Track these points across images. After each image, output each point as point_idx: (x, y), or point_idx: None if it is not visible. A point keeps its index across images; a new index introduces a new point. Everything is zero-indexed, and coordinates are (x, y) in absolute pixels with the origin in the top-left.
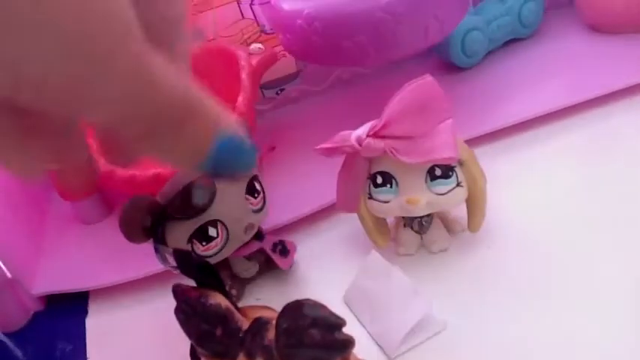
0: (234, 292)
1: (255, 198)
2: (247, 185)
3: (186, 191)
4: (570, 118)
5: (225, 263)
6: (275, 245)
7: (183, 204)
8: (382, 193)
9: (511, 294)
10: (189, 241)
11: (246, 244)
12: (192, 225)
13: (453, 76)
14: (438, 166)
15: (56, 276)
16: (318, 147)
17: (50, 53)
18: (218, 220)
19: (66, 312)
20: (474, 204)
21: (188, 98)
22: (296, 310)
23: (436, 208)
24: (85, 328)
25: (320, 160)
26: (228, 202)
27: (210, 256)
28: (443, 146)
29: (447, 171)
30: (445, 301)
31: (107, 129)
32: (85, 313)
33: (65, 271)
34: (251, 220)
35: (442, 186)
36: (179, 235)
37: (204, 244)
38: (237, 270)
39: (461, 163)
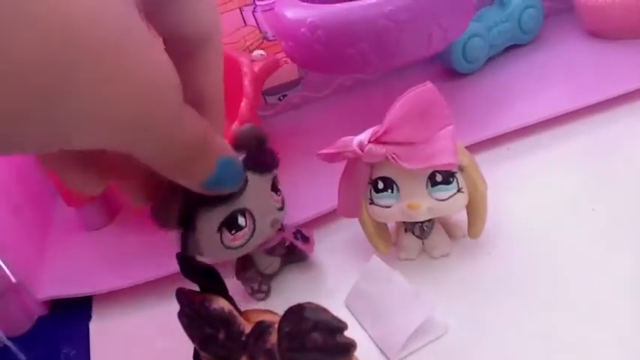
0: (264, 288)
1: (278, 196)
2: (272, 181)
3: None
4: (571, 123)
5: (251, 261)
6: (295, 234)
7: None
8: (383, 199)
9: (512, 299)
10: (219, 229)
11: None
12: (223, 212)
13: (454, 82)
14: (438, 172)
15: (60, 280)
16: (320, 152)
17: (129, 119)
18: (247, 210)
19: (70, 316)
20: (475, 210)
21: (205, 139)
22: (298, 313)
23: (437, 214)
24: (88, 332)
25: (321, 166)
26: (257, 195)
27: (237, 248)
28: (443, 152)
29: (447, 177)
30: (446, 305)
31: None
32: (89, 317)
33: (69, 275)
34: (276, 216)
35: (443, 192)
36: (210, 221)
37: (233, 232)
38: (261, 267)
39: (461, 168)
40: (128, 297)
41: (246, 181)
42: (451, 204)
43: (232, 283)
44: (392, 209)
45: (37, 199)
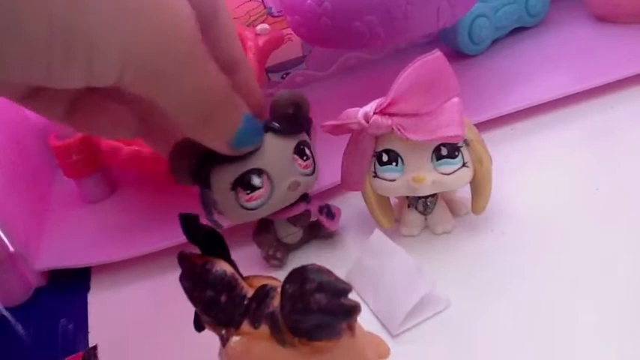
0: (279, 255)
1: (304, 161)
2: (297, 146)
3: None
4: (575, 105)
5: (270, 227)
6: (321, 208)
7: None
8: (388, 172)
9: (514, 275)
10: (234, 187)
11: (293, 205)
12: (236, 170)
13: (459, 63)
14: (444, 145)
15: (59, 252)
16: (324, 124)
17: (149, 52)
18: (263, 171)
19: (68, 288)
20: (480, 185)
21: (228, 91)
22: (301, 274)
23: (442, 188)
24: (87, 303)
25: (324, 142)
26: (275, 155)
27: (255, 209)
28: (450, 124)
29: (453, 151)
30: (448, 280)
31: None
32: (87, 289)
33: (68, 247)
34: (296, 179)
35: (448, 165)
36: (223, 179)
37: (248, 192)
38: (281, 234)
39: (467, 143)
40: (126, 269)
41: (261, 139)
42: (456, 178)
43: (250, 250)
44: (396, 182)
45: (36, 171)
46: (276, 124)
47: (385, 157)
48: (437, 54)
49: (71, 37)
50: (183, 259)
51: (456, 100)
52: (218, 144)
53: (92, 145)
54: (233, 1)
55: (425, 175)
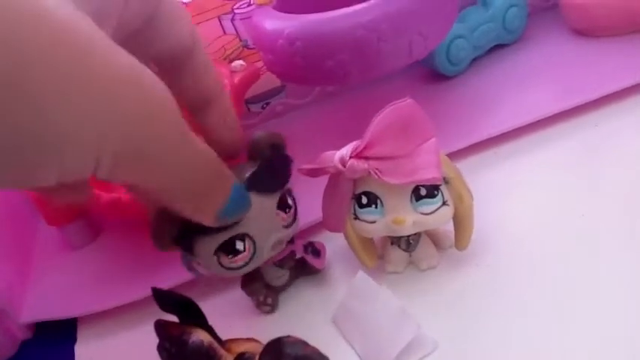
0: (269, 300)
1: (286, 213)
2: (280, 199)
3: None
4: (558, 125)
5: (257, 274)
6: (306, 247)
7: None
8: (368, 214)
9: (502, 311)
10: (216, 253)
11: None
12: (220, 238)
13: (438, 85)
14: (423, 185)
15: (44, 303)
16: (301, 168)
17: (127, 136)
18: (247, 235)
19: (55, 340)
20: (461, 222)
21: (216, 165)
22: (278, 348)
23: (423, 228)
24: (74, 355)
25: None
26: (259, 217)
27: (237, 269)
28: (427, 166)
29: (432, 190)
30: (435, 320)
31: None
32: (74, 340)
33: (53, 297)
34: (280, 236)
35: (428, 205)
36: (206, 247)
37: (230, 257)
38: (269, 278)
39: (446, 181)
40: (114, 318)
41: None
42: (437, 217)
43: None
44: (376, 224)
45: (17, 220)
46: (260, 183)
47: (364, 200)
48: (408, 101)
49: (39, 140)
50: (160, 329)
51: (432, 140)
52: (205, 218)
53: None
54: (208, 35)
55: (405, 217)
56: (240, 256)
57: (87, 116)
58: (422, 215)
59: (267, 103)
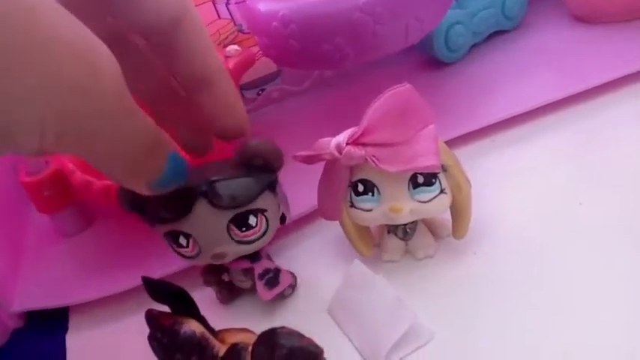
0: (219, 296)
1: (242, 231)
2: (237, 216)
3: (162, 198)
4: (557, 112)
5: (222, 267)
6: (266, 271)
7: (156, 209)
8: (364, 202)
9: (500, 301)
10: (165, 236)
11: (240, 259)
12: (165, 227)
13: (437, 72)
14: (420, 173)
15: (36, 292)
16: (297, 155)
17: (66, 113)
18: (189, 235)
19: (46, 329)
20: (459, 211)
21: (155, 136)
22: (272, 339)
23: (420, 216)
24: (65, 344)
25: (299, 163)
26: (205, 225)
27: (186, 258)
28: (425, 154)
29: (429, 178)
30: (431, 309)
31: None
32: (66, 329)
33: (45, 286)
34: (226, 250)
35: (425, 194)
36: (157, 228)
37: (175, 246)
38: (232, 278)
39: (444, 169)
40: (105, 307)
41: (190, 208)
42: (434, 206)
43: None
44: (373, 213)
45: (8, 208)
46: (213, 196)
47: (361, 187)
48: (406, 86)
49: None
50: (151, 320)
51: (431, 127)
52: (138, 188)
53: (63, 180)
54: (203, 20)
55: (402, 205)
56: (184, 249)
57: (27, 93)
58: (419, 203)
59: (263, 90)
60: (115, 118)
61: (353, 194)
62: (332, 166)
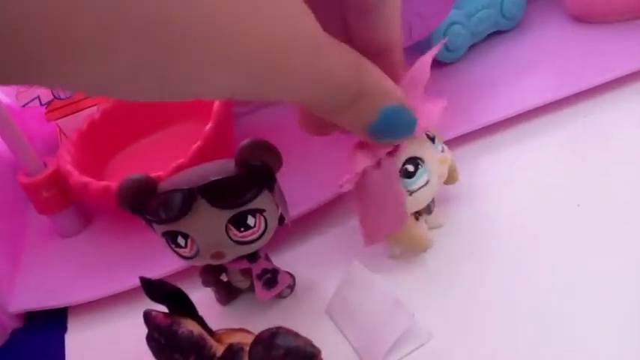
0: (217, 297)
1: (241, 232)
2: (235, 216)
3: (162, 199)
4: (555, 113)
5: (220, 267)
6: (264, 272)
7: (155, 209)
8: (420, 178)
9: (498, 301)
10: (164, 236)
11: (238, 259)
12: (163, 227)
13: (435, 72)
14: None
15: (34, 292)
16: (343, 184)
17: (233, 72)
18: (188, 235)
19: (45, 329)
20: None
21: (359, 81)
22: (269, 340)
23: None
24: (64, 344)
25: (298, 164)
26: (204, 225)
27: (183, 258)
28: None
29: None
30: (430, 310)
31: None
32: (64, 329)
33: (43, 287)
34: (222, 249)
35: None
36: (155, 227)
37: (173, 246)
38: (230, 278)
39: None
40: (104, 307)
41: (189, 208)
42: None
43: None
44: (431, 182)
45: (7, 209)
46: (213, 196)
47: (411, 168)
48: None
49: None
50: (149, 319)
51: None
52: (356, 132)
53: (62, 181)
54: None
55: (447, 154)
56: (182, 250)
57: (225, 63)
58: (443, 154)
59: None
60: (306, 65)
61: (407, 180)
62: (379, 176)
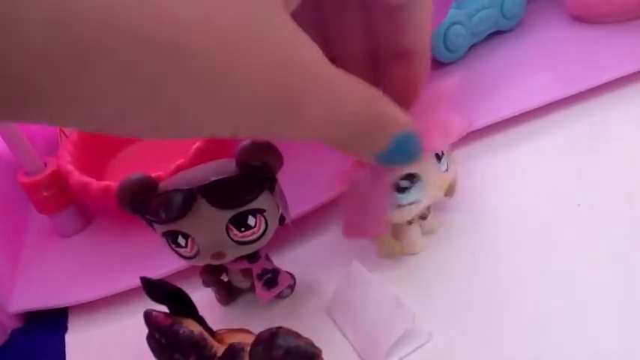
0: (217, 297)
1: (241, 232)
2: (236, 216)
3: (163, 198)
4: (556, 113)
5: (220, 267)
6: (264, 272)
7: (155, 208)
8: (412, 194)
9: (498, 301)
10: (164, 235)
11: (238, 259)
12: (164, 227)
13: (435, 72)
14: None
15: (34, 292)
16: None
17: (240, 110)
18: (188, 235)
19: (45, 329)
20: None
21: (369, 112)
22: (269, 340)
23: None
24: (64, 344)
25: (298, 165)
26: (205, 225)
27: (184, 258)
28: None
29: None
30: (430, 310)
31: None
32: (65, 329)
33: (43, 286)
34: (222, 249)
35: (444, 163)
36: (156, 227)
37: (173, 246)
38: (231, 278)
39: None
40: (105, 307)
41: (190, 208)
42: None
43: None
44: (422, 201)
45: (7, 208)
46: (213, 195)
47: (405, 184)
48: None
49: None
50: (150, 319)
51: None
52: (364, 158)
53: (62, 180)
54: None
55: (450, 173)
56: (182, 249)
57: (225, 104)
58: (445, 173)
59: None
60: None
61: (398, 195)
62: (370, 180)
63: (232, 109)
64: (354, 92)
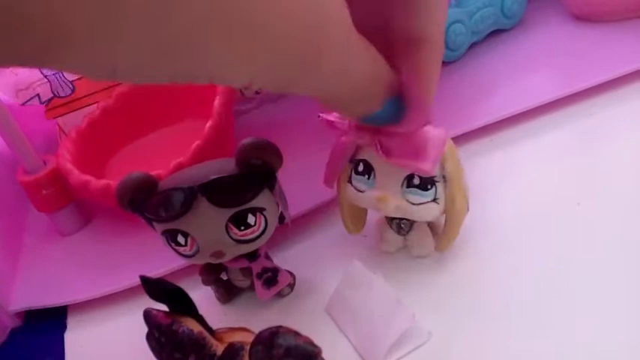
0: (217, 295)
1: (241, 230)
2: (235, 214)
3: (163, 197)
4: (556, 112)
5: (220, 266)
6: (264, 271)
7: (155, 207)
8: (359, 182)
9: (498, 301)
10: (164, 234)
11: (238, 257)
12: (164, 226)
13: None
14: (417, 175)
15: (34, 291)
16: (321, 115)
17: (263, 55)
18: (188, 234)
19: (44, 327)
20: (448, 225)
21: (376, 74)
22: (269, 339)
23: (405, 215)
24: (64, 343)
25: (300, 161)
26: (204, 224)
27: (183, 256)
28: (423, 158)
29: (426, 183)
30: (430, 310)
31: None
32: (64, 327)
33: (43, 285)
34: (222, 248)
35: (416, 196)
36: (155, 226)
37: (173, 245)
38: (230, 277)
39: (445, 179)
40: (104, 306)
41: (190, 206)
42: (421, 210)
43: None
44: (364, 195)
45: (6, 207)
46: (213, 194)
47: (361, 167)
48: None
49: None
50: (149, 318)
51: (442, 133)
52: (348, 117)
53: (62, 179)
54: None
55: (389, 198)
56: (182, 248)
57: (251, 46)
58: (407, 203)
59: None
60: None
61: (353, 171)
62: (344, 136)
63: (257, 52)
64: (367, 51)
